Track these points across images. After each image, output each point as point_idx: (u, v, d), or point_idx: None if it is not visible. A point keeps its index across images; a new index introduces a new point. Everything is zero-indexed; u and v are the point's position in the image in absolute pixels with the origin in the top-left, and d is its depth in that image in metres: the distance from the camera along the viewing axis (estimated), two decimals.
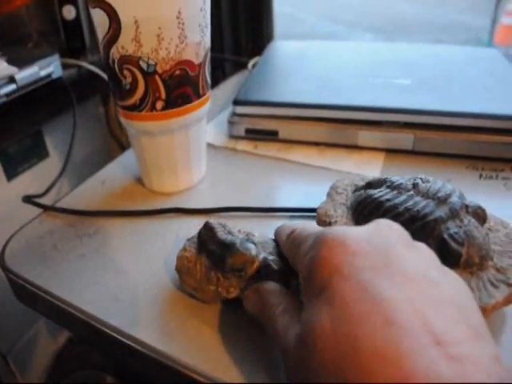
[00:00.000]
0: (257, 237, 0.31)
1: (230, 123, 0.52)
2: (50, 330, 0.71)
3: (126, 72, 0.38)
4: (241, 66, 0.75)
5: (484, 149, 0.47)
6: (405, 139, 0.48)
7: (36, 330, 0.68)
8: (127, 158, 0.51)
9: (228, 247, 0.30)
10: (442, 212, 0.30)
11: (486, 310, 0.27)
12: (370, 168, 0.46)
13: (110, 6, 0.35)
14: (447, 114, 0.47)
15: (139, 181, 0.46)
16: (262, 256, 0.29)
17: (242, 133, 0.52)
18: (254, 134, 0.51)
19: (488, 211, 0.32)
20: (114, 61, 0.38)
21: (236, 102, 0.51)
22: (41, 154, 0.67)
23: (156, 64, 0.37)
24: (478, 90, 0.51)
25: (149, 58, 0.37)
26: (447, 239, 0.29)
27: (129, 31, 0.36)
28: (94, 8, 0.37)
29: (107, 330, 0.30)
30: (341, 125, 0.49)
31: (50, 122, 0.67)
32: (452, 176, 0.45)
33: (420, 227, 0.29)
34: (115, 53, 0.38)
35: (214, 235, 0.31)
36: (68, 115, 0.66)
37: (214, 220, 0.32)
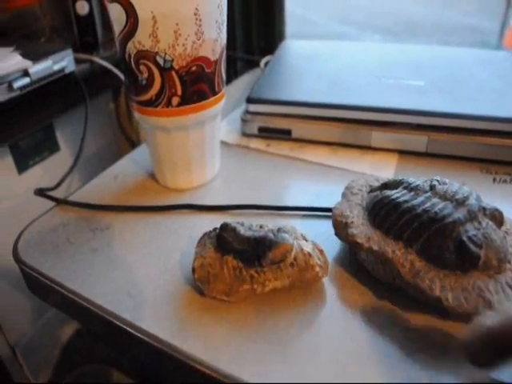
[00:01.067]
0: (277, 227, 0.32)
1: (243, 121, 0.52)
2: (57, 323, 0.71)
3: (142, 67, 0.38)
4: (252, 64, 0.75)
5: (497, 152, 0.47)
6: (418, 141, 0.47)
7: (44, 323, 0.69)
8: (140, 154, 0.51)
9: (264, 242, 0.30)
10: (460, 214, 0.30)
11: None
12: (384, 169, 0.46)
13: (127, 0, 0.35)
14: (460, 116, 0.47)
15: (152, 176, 0.46)
16: (295, 243, 0.30)
17: (255, 131, 0.52)
18: (267, 133, 0.51)
19: (504, 214, 0.32)
20: (130, 56, 0.38)
21: (249, 100, 0.51)
22: (52, 147, 0.67)
23: (173, 60, 0.37)
24: (489, 92, 0.51)
25: (166, 53, 0.37)
26: (466, 242, 0.28)
27: (146, 26, 0.36)
28: (111, 2, 0.37)
29: (120, 324, 0.31)
30: (354, 125, 0.48)
31: (61, 117, 0.67)
32: (466, 179, 0.45)
33: (438, 229, 0.29)
34: (132, 48, 0.38)
35: (238, 234, 0.30)
36: (79, 110, 0.66)
37: (230, 220, 0.32)
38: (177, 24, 0.36)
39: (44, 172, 0.67)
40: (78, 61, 0.63)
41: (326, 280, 0.33)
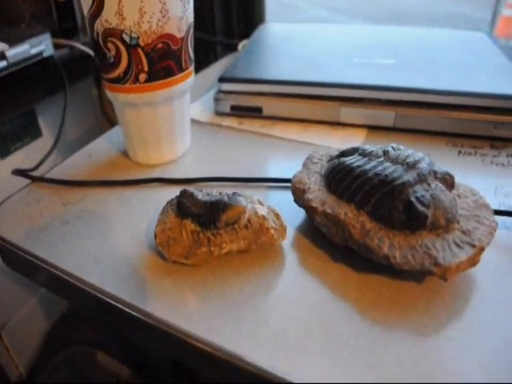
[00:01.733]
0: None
1: (216, 100, 0.53)
2: (43, 307, 0.72)
3: (110, 45, 0.39)
4: (232, 48, 0.76)
5: (463, 126, 0.48)
6: (386, 116, 0.49)
7: (30, 307, 0.70)
8: (115, 134, 0.52)
9: (219, 205, 0.31)
10: (410, 176, 0.31)
11: (449, 270, 0.28)
12: (352, 143, 0.47)
13: None
14: (427, 91, 0.48)
15: (125, 154, 0.47)
16: (249, 206, 0.31)
17: (228, 109, 0.53)
18: (239, 111, 0.53)
19: (460, 181, 0.33)
20: (98, 34, 0.39)
21: (221, 79, 0.52)
22: (34, 133, 0.68)
23: (138, 37, 0.38)
24: (460, 69, 0.52)
25: (131, 31, 0.38)
26: (414, 202, 0.30)
27: (112, 5, 0.37)
28: None
29: (86, 288, 0.32)
30: (323, 101, 0.50)
31: (43, 102, 0.68)
32: (432, 152, 0.46)
33: (388, 191, 0.30)
34: (99, 26, 0.38)
35: (195, 199, 0.32)
36: (61, 95, 0.67)
37: (189, 187, 0.33)
38: (141, 1, 0.37)
39: (26, 157, 0.67)
40: (57, 46, 0.64)
41: (286, 245, 0.34)
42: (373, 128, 0.50)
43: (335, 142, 0.48)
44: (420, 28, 0.69)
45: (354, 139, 0.48)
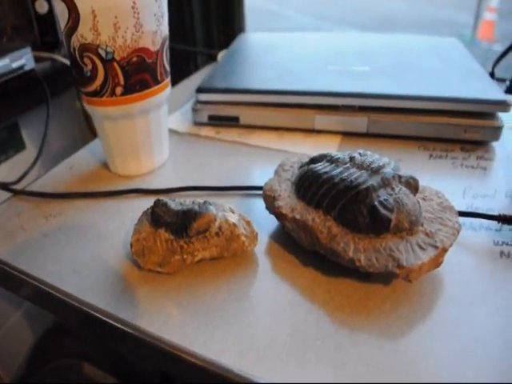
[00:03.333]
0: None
1: (194, 110, 0.54)
2: (29, 321, 0.72)
3: (86, 60, 0.40)
4: (213, 58, 0.77)
5: (434, 130, 0.49)
6: (359, 122, 0.50)
7: (15, 321, 0.70)
8: (96, 145, 0.53)
9: (190, 214, 0.32)
10: (374, 181, 0.32)
11: (413, 271, 0.29)
12: (326, 150, 0.48)
13: None
14: (399, 97, 0.49)
15: (105, 166, 0.48)
16: (220, 214, 0.32)
17: (205, 119, 0.54)
18: (217, 120, 0.54)
19: (429, 184, 0.34)
20: (74, 49, 0.40)
21: (199, 90, 0.53)
22: (17, 146, 0.69)
23: (114, 51, 0.39)
24: (432, 75, 0.54)
25: (107, 45, 0.39)
26: (377, 206, 0.31)
27: (87, 21, 0.38)
28: None
29: (64, 298, 0.33)
30: (298, 110, 0.51)
31: (26, 115, 0.69)
32: (404, 156, 0.48)
33: (353, 196, 0.32)
34: (75, 41, 0.40)
35: (169, 208, 0.33)
36: (44, 108, 0.67)
37: (163, 197, 0.34)
38: (116, 17, 0.38)
39: (10, 170, 0.68)
40: (39, 59, 0.65)
41: (259, 251, 0.35)
42: (347, 134, 0.51)
43: (310, 148, 0.49)
44: (395, 35, 0.70)
45: (329, 145, 0.49)
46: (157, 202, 0.33)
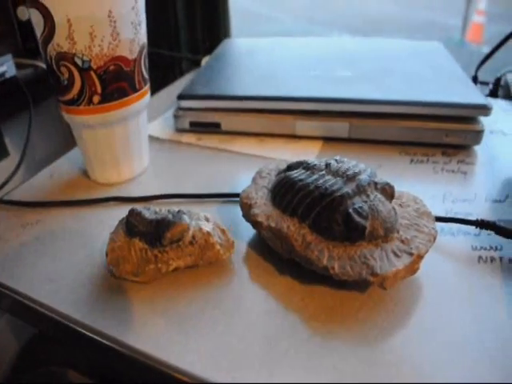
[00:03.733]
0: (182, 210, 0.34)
1: (176, 117, 0.54)
2: (12, 329, 0.72)
3: (63, 68, 0.40)
4: (198, 63, 0.77)
5: (415, 135, 0.49)
6: (341, 127, 0.50)
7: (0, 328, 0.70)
8: (76, 153, 0.53)
9: (163, 223, 0.32)
10: (349, 188, 0.32)
11: (387, 279, 0.29)
12: (306, 156, 0.48)
13: (43, 6, 0.37)
14: (381, 102, 0.49)
15: (86, 173, 0.48)
16: (194, 223, 0.32)
17: (187, 126, 0.54)
18: (198, 127, 0.54)
19: (409, 189, 0.34)
20: (51, 58, 0.40)
21: (180, 97, 0.53)
22: (0, 153, 0.68)
23: (90, 60, 0.39)
24: (413, 79, 0.54)
25: (83, 54, 0.39)
26: (352, 213, 0.31)
27: (62, 30, 0.38)
28: (30, 8, 0.39)
29: (39, 308, 0.32)
30: (279, 115, 0.51)
31: (9, 122, 0.68)
32: (384, 161, 0.48)
33: (328, 203, 0.31)
34: (52, 50, 0.39)
35: (143, 218, 0.33)
36: (27, 114, 0.67)
37: (137, 206, 0.34)
38: (91, 26, 0.38)
39: None
40: (21, 66, 0.64)
41: (236, 259, 0.35)
42: (328, 139, 0.51)
43: (291, 154, 0.49)
44: (377, 39, 0.71)
45: (309, 151, 0.49)
46: (131, 211, 0.33)
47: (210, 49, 0.81)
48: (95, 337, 0.30)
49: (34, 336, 0.72)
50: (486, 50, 0.71)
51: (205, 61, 0.72)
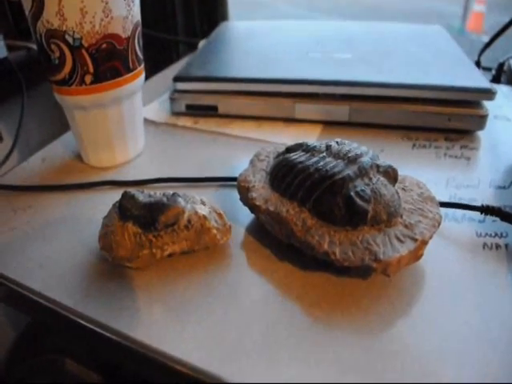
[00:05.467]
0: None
1: (171, 100, 0.52)
2: (8, 316, 0.71)
3: (53, 46, 0.38)
4: (194, 47, 0.75)
5: (418, 119, 0.48)
6: (341, 111, 0.49)
7: None
8: (70, 136, 0.51)
9: (157, 206, 0.30)
10: (350, 171, 0.31)
11: (390, 265, 0.28)
12: (306, 139, 0.47)
13: None
14: (382, 85, 0.48)
15: (80, 157, 0.47)
16: (189, 206, 0.31)
17: (183, 109, 0.52)
18: (195, 110, 0.52)
19: (412, 174, 0.33)
20: (41, 35, 0.38)
21: (176, 79, 0.51)
22: None
23: (82, 38, 0.38)
24: (415, 63, 0.52)
25: (74, 31, 0.37)
26: (354, 197, 0.30)
27: (52, 5, 0.36)
28: None
29: (29, 294, 0.31)
30: (278, 98, 0.49)
31: (2, 106, 0.67)
32: (386, 145, 0.46)
33: (328, 186, 0.30)
34: (41, 27, 0.38)
35: (136, 201, 0.31)
36: (20, 98, 0.65)
37: (131, 189, 0.33)
38: (82, 1, 0.36)
39: None
40: (13, 48, 0.63)
41: (233, 244, 0.34)
42: (328, 123, 0.50)
43: (289, 138, 0.47)
44: (376, 22, 0.69)
45: (309, 135, 0.48)
46: (124, 194, 0.32)
47: (207, 33, 0.79)
48: (88, 324, 0.29)
49: (31, 323, 0.71)
50: (486, 38, 0.70)
51: (201, 44, 0.70)
